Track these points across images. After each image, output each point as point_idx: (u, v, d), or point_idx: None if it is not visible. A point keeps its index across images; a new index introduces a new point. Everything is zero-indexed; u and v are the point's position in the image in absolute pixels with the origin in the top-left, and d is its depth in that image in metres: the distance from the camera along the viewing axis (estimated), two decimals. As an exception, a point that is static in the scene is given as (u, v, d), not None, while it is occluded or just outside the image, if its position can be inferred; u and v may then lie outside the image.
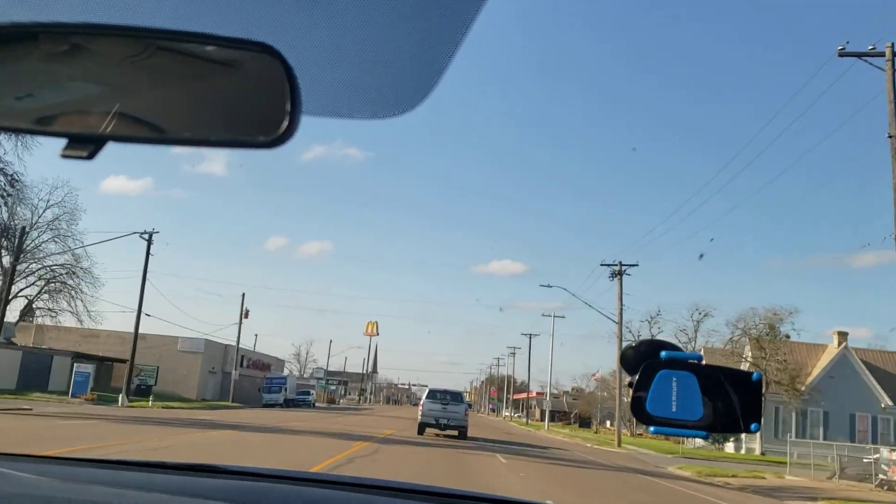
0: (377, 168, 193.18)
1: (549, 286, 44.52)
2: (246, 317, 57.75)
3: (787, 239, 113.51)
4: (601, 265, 41.99)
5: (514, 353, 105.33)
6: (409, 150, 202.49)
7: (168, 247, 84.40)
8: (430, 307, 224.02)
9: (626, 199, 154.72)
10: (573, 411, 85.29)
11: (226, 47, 0.89)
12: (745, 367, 48.51)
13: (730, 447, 47.72)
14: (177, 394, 55.57)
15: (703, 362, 1.21)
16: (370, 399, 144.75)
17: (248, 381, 65.83)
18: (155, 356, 57.22)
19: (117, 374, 55.58)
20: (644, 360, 1.19)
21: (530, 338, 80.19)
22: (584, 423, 74.40)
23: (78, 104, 0.90)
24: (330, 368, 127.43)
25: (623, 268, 41.54)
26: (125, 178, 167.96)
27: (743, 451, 46.72)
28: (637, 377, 1.18)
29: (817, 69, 66.53)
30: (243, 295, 57.97)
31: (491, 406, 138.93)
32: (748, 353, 47.19)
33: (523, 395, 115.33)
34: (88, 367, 42.33)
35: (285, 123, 0.83)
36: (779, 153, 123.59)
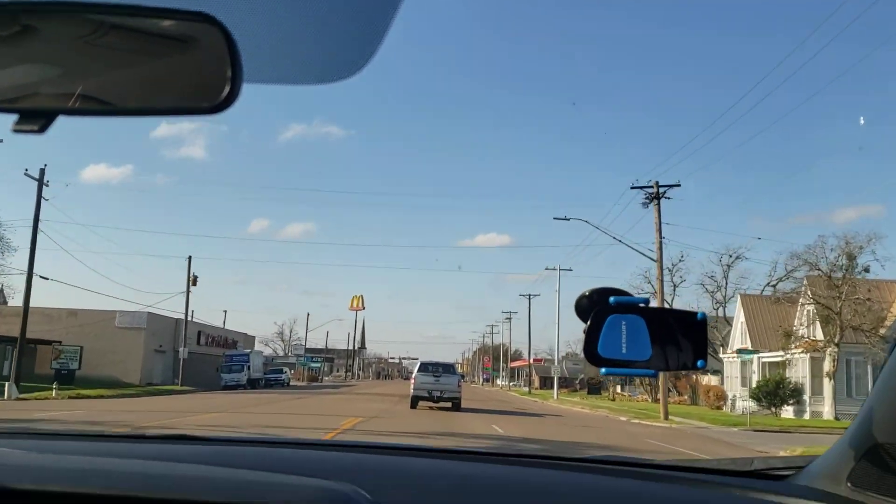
0: (358, 146, 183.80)
1: (566, 219, 33.91)
2: (194, 284, 46.80)
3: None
4: (632, 188, 31.40)
5: (509, 318, 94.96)
6: (388, 126, 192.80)
7: (69, 187, 73.26)
8: (417, 283, 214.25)
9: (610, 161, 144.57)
10: (578, 377, 75.15)
11: (169, 18, 0.91)
12: (806, 312, 38.53)
13: (788, 412, 37.60)
14: (115, 378, 44.77)
15: (651, 305, 1.22)
16: (359, 375, 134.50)
17: (209, 361, 54.98)
18: (89, 334, 46.37)
19: (42, 358, 44.73)
20: (596, 307, 1.21)
21: (529, 298, 69.80)
22: (594, 389, 64.35)
23: (28, 80, 0.91)
24: (317, 346, 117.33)
25: (661, 189, 30.93)
26: (105, 166, 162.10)
27: (807, 416, 36.63)
28: (588, 323, 1.20)
29: None
30: (189, 258, 47.02)
31: (485, 376, 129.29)
32: (803, 295, 37.00)
33: (519, 363, 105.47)
34: (-31, 350, 31.37)
35: (227, 89, 0.86)
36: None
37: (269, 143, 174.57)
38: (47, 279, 35.18)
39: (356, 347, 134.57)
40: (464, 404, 28.63)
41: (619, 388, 62.48)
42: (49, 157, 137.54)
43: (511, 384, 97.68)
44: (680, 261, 50.54)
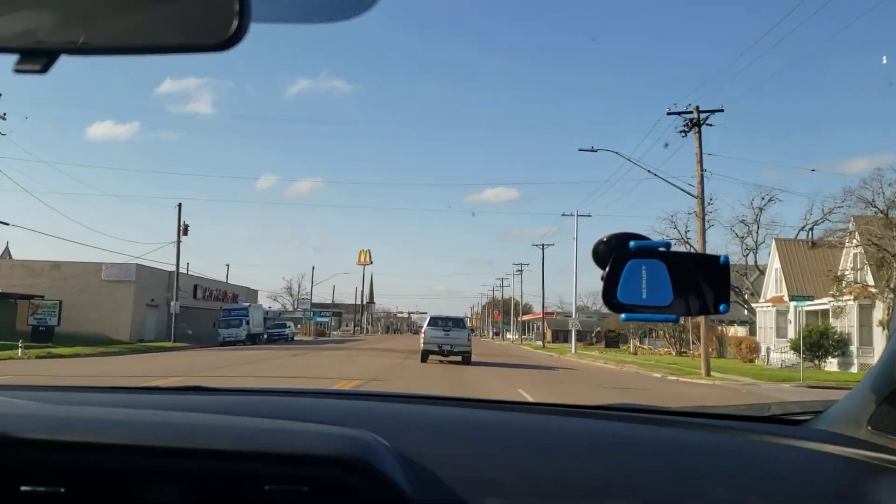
0: (364, 100, 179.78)
1: (592, 150, 29.70)
2: (185, 233, 43.08)
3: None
4: (669, 114, 27.18)
5: (520, 270, 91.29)
6: (394, 80, 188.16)
7: (28, 120, 68.36)
8: (426, 238, 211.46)
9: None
10: (594, 330, 71.73)
11: None
12: (854, 254, 34.67)
13: (832, 364, 33.97)
14: (103, 335, 41.46)
15: (672, 249, 1.21)
16: (368, 329, 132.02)
17: (207, 316, 51.68)
18: (74, 288, 42.96)
19: (22, 314, 41.35)
20: (614, 252, 1.18)
21: (543, 248, 65.78)
22: (612, 342, 60.91)
23: (29, 18, 0.87)
24: (327, 301, 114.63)
25: (702, 115, 26.75)
26: (111, 123, 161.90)
27: (854, 368, 32.98)
28: (607, 269, 1.18)
29: None
30: (179, 205, 43.18)
31: (494, 330, 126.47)
32: (850, 236, 33.01)
33: (530, 317, 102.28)
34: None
35: (234, 25, 0.83)
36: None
37: (276, 98, 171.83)
38: (7, 224, 31.54)
39: (364, 302, 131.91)
40: (478, 359, 27.47)
41: (637, 341, 59.11)
42: (55, 113, 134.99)
43: (522, 338, 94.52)
44: (709, 203, 46.20)
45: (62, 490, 1.08)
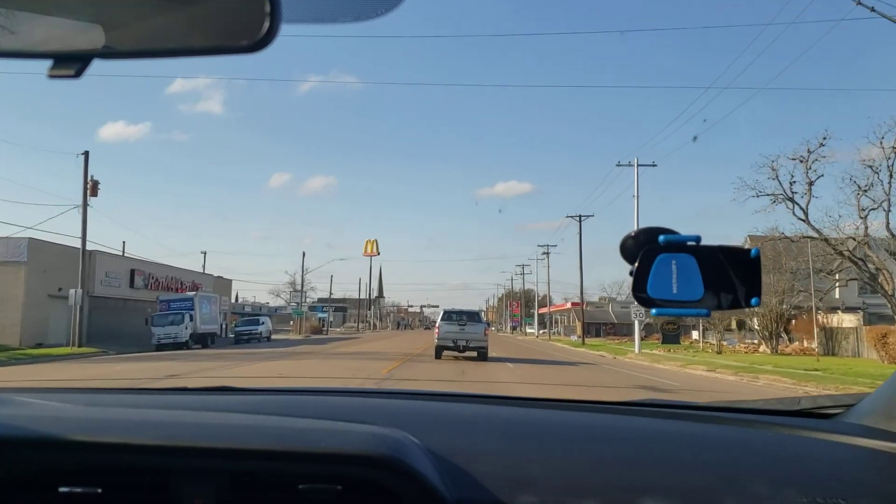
0: (375, 96, 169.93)
1: None
2: (93, 193, 30.12)
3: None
4: None
5: (547, 253, 77.91)
6: (405, 75, 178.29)
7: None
8: (437, 233, 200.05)
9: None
10: (643, 322, 58.11)
11: None
12: None
13: None
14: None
15: (702, 243, 1.18)
16: (377, 325, 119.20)
17: (144, 310, 38.69)
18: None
19: None
20: (643, 247, 1.17)
21: (580, 220, 52.19)
22: (671, 337, 47.63)
23: (60, 23, 0.88)
24: (337, 295, 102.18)
25: None
26: (123, 124, 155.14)
27: None
28: (637, 264, 1.17)
29: None
30: (86, 153, 30.13)
31: (512, 324, 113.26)
32: None
33: (555, 308, 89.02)
34: None
35: (266, 25, 0.82)
36: None
37: (287, 96, 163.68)
38: None
39: (371, 296, 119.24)
40: (511, 357, 25.99)
41: (698, 335, 46.12)
42: (65, 115, 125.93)
43: (549, 332, 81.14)
44: (820, 145, 32.74)
45: (99, 491, 1.09)
